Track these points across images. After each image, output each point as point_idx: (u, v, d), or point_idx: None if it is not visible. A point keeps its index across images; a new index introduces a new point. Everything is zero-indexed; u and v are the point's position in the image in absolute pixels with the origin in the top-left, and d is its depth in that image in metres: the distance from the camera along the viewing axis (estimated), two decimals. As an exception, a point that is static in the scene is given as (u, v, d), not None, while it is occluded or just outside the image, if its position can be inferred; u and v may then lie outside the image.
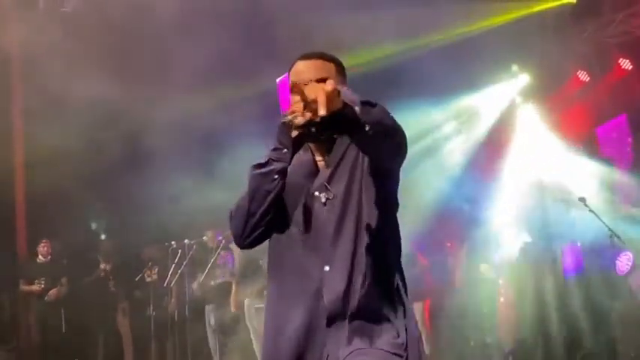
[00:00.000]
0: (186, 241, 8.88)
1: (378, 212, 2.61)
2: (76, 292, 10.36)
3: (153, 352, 9.80)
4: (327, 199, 2.62)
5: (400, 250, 2.70)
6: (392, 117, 2.47)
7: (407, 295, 2.66)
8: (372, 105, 2.38)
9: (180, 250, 8.95)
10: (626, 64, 9.41)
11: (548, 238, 8.90)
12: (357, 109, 2.31)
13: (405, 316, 2.59)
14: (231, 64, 8.97)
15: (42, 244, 10.23)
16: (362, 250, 2.57)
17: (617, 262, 7.36)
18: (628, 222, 8.21)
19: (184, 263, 8.83)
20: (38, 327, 10.10)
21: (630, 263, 7.87)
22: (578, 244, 8.38)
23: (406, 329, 2.55)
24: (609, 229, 6.78)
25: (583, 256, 8.32)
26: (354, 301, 2.53)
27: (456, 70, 9.30)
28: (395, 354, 2.48)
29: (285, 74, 2.68)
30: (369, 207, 2.61)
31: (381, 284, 2.58)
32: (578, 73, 10.01)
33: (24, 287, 9.98)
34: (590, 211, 6.83)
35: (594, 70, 9.90)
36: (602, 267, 7.70)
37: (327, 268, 2.57)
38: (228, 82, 9.55)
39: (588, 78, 9.93)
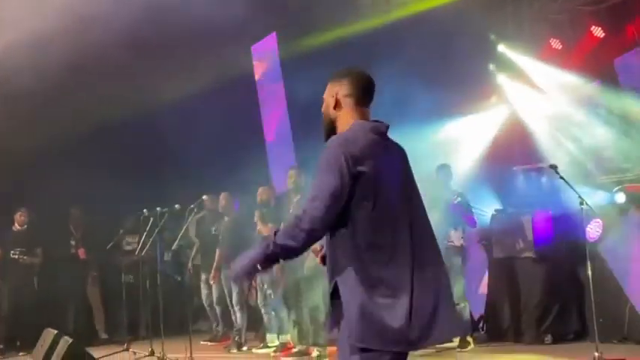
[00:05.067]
0: (158, 209, 8.78)
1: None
2: (48, 261, 10.31)
3: (124, 320, 9.75)
4: None
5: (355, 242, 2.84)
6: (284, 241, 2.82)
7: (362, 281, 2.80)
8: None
9: (152, 218, 8.85)
10: (598, 31, 9.41)
11: (518, 205, 8.96)
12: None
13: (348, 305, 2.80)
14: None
15: (19, 213, 10.14)
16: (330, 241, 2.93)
17: (588, 229, 7.41)
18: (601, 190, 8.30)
19: (156, 231, 8.73)
20: (10, 297, 10.03)
21: (600, 230, 7.96)
22: (549, 212, 8.45)
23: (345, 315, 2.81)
24: (579, 197, 6.80)
25: (553, 224, 8.39)
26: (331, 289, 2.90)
27: (431, 40, 9.24)
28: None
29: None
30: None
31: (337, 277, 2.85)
32: (550, 40, 9.99)
33: None
34: (561, 178, 6.83)
35: (567, 37, 9.89)
36: (573, 234, 7.77)
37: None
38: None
39: (561, 46, 9.92)
